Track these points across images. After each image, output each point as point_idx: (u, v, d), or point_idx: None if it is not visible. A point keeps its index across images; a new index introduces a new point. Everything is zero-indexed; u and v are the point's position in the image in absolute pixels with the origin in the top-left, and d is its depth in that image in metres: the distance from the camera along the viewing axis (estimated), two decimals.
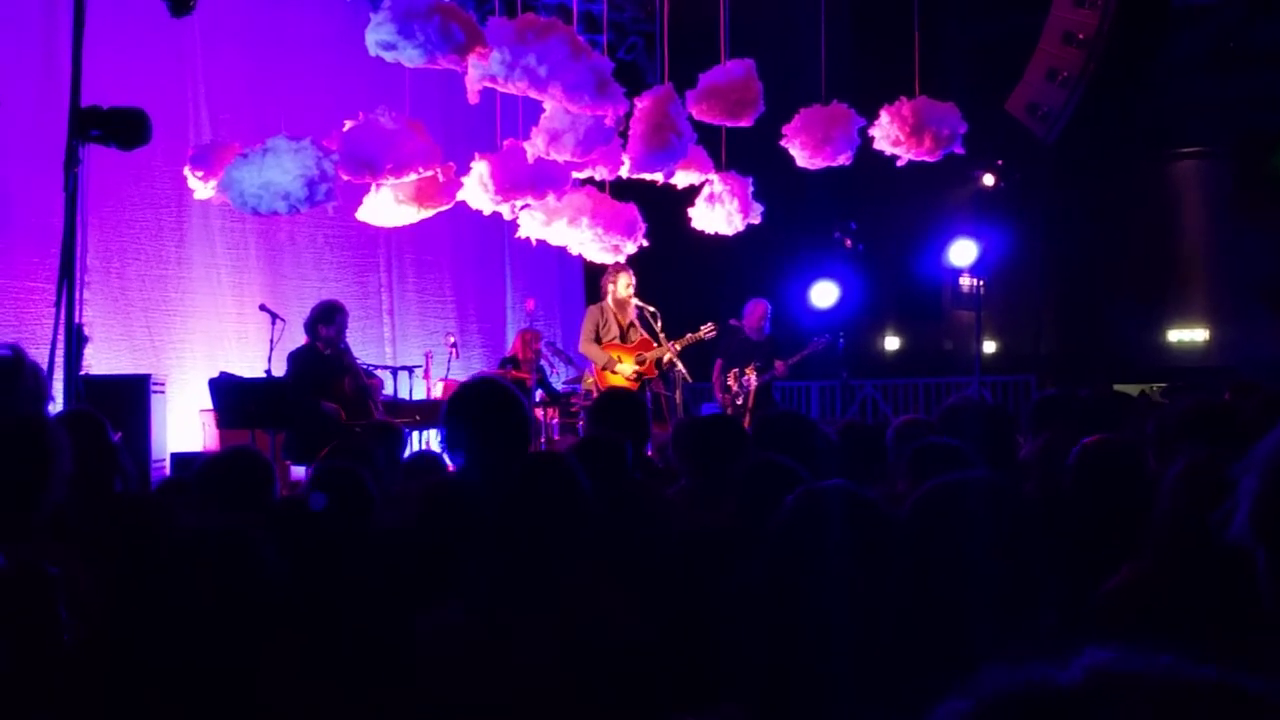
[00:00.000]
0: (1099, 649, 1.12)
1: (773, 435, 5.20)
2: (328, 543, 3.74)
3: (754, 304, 12.83)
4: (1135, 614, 3.10)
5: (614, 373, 11.58)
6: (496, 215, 10.19)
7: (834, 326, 14.02)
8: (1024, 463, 5.71)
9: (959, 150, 10.80)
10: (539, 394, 12.70)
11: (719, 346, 12.66)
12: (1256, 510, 2.11)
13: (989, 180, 17.11)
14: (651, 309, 11.80)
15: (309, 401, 10.20)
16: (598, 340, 11.73)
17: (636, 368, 11.63)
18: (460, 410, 4.38)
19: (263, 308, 11.25)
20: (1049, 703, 1.08)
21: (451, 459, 4.64)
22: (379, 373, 12.18)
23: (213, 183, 9.23)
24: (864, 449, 5.82)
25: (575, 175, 10.08)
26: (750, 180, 10.99)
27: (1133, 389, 13.54)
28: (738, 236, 11.21)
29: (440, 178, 9.75)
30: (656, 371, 11.85)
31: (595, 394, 11.43)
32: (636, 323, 11.81)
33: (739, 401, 12.37)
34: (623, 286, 11.72)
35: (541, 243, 10.71)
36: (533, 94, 8.81)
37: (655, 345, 11.70)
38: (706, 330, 11.93)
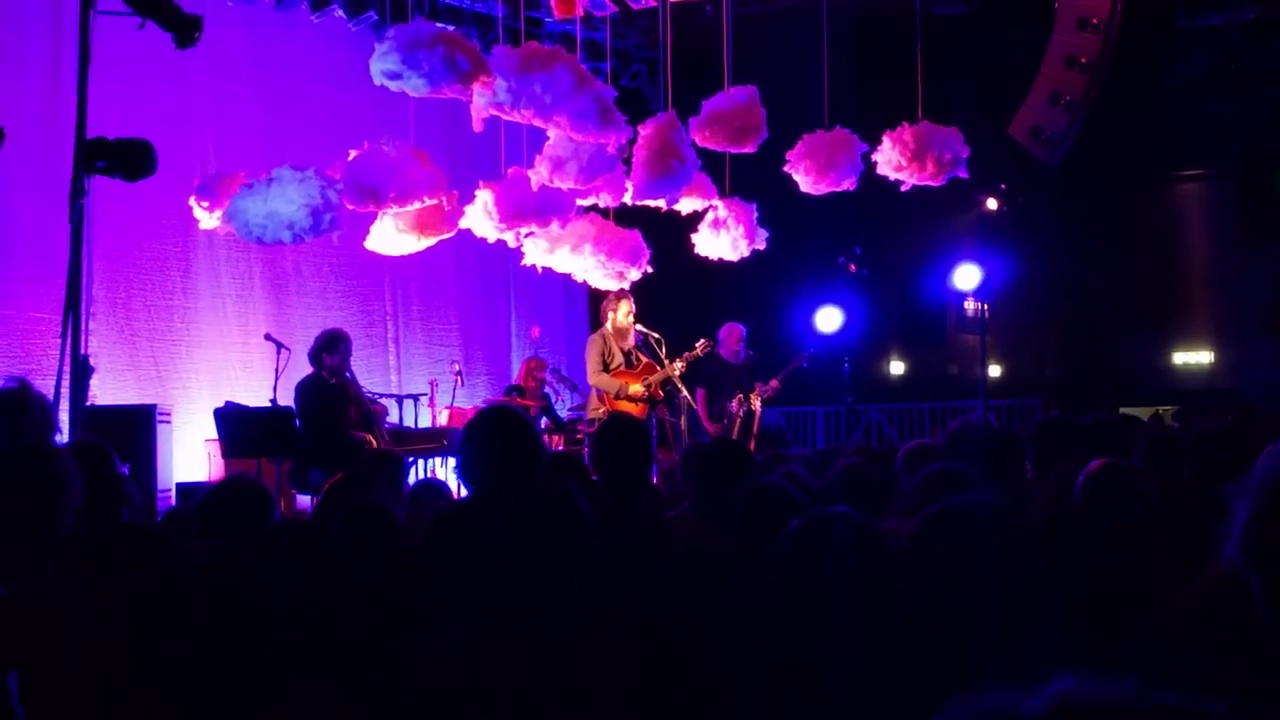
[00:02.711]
0: (1065, 676, 1.12)
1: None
2: (335, 567, 3.76)
3: (729, 328, 12.84)
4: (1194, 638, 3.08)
5: (627, 398, 11.60)
6: (501, 243, 10.19)
7: (837, 351, 14.03)
8: (1030, 486, 5.71)
9: (963, 174, 10.81)
10: (544, 422, 12.72)
11: (700, 374, 12.66)
12: (1248, 535, 2.11)
13: (992, 204, 17.11)
14: (656, 335, 11.83)
15: (340, 431, 10.26)
16: (605, 369, 11.76)
17: (645, 390, 11.67)
18: (474, 438, 4.40)
19: (268, 337, 11.29)
20: None
21: (465, 485, 4.66)
22: (384, 401, 12.21)
23: (218, 213, 9.25)
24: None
25: (579, 203, 10.09)
26: (754, 206, 11.00)
27: (1142, 412, 13.52)
28: (742, 263, 11.21)
29: (445, 206, 9.77)
30: (662, 394, 11.88)
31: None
32: (639, 348, 11.85)
33: (743, 426, 12.37)
34: (623, 314, 11.78)
35: (546, 270, 10.72)
36: (538, 122, 8.83)
37: (659, 369, 11.74)
38: (701, 347, 11.96)
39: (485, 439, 4.39)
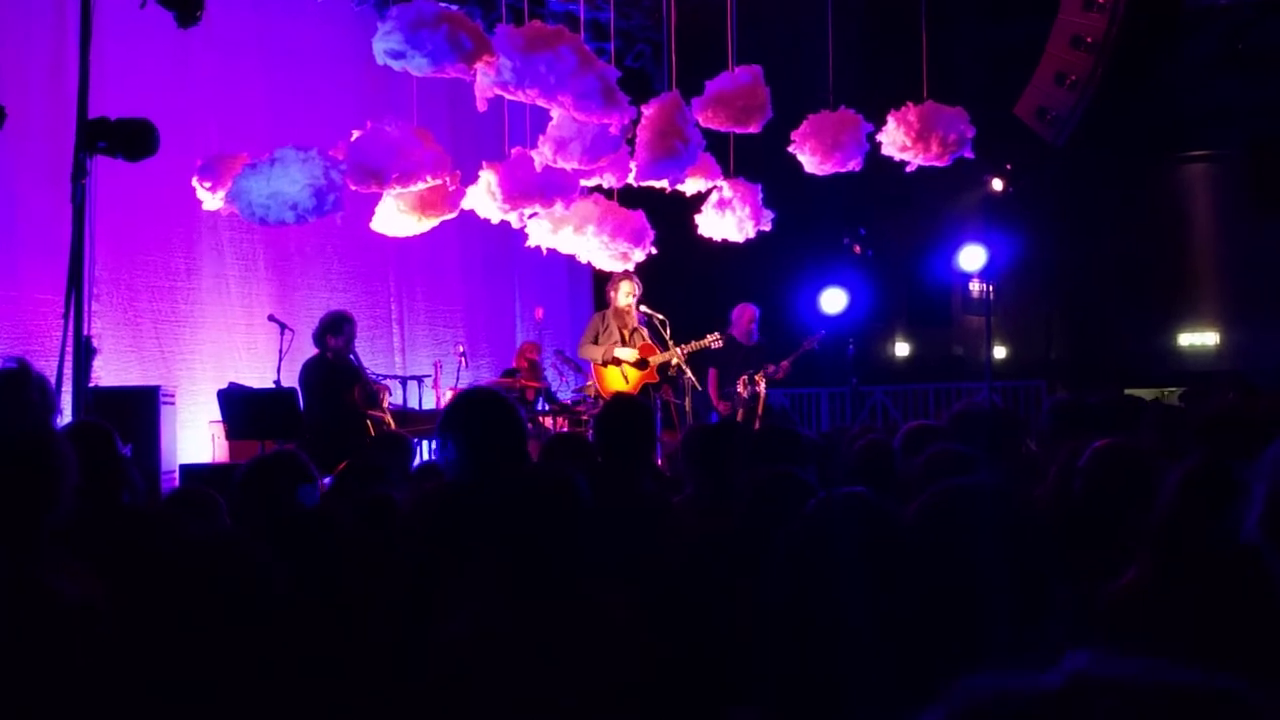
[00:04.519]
0: (1078, 653, 1.11)
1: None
2: (336, 553, 3.74)
3: (741, 309, 12.82)
4: (1138, 616, 3.08)
5: (614, 360, 11.59)
6: (504, 224, 10.18)
7: (828, 325, 14.00)
8: (1037, 467, 5.69)
9: (968, 155, 10.77)
10: (542, 404, 12.72)
11: (712, 356, 12.64)
12: (1267, 514, 2.10)
13: (998, 185, 17.06)
14: (660, 317, 11.80)
15: (343, 412, 10.26)
16: (596, 344, 11.76)
17: (640, 354, 11.64)
18: (450, 420, 4.36)
19: (271, 318, 11.29)
20: (1028, 708, 1.07)
21: (444, 468, 4.63)
22: (388, 382, 12.20)
23: (221, 193, 9.22)
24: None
25: (583, 183, 10.07)
26: (759, 187, 10.97)
27: (1147, 393, 13.49)
28: (746, 243, 11.19)
29: (450, 186, 9.74)
30: (660, 377, 11.86)
31: (597, 398, 11.46)
32: (641, 329, 11.82)
33: (749, 407, 12.35)
34: (623, 294, 11.76)
35: (551, 251, 10.70)
36: (542, 102, 8.80)
37: (661, 351, 11.72)
38: (713, 339, 11.93)
39: (467, 422, 4.34)
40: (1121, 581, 3.29)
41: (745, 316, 12.77)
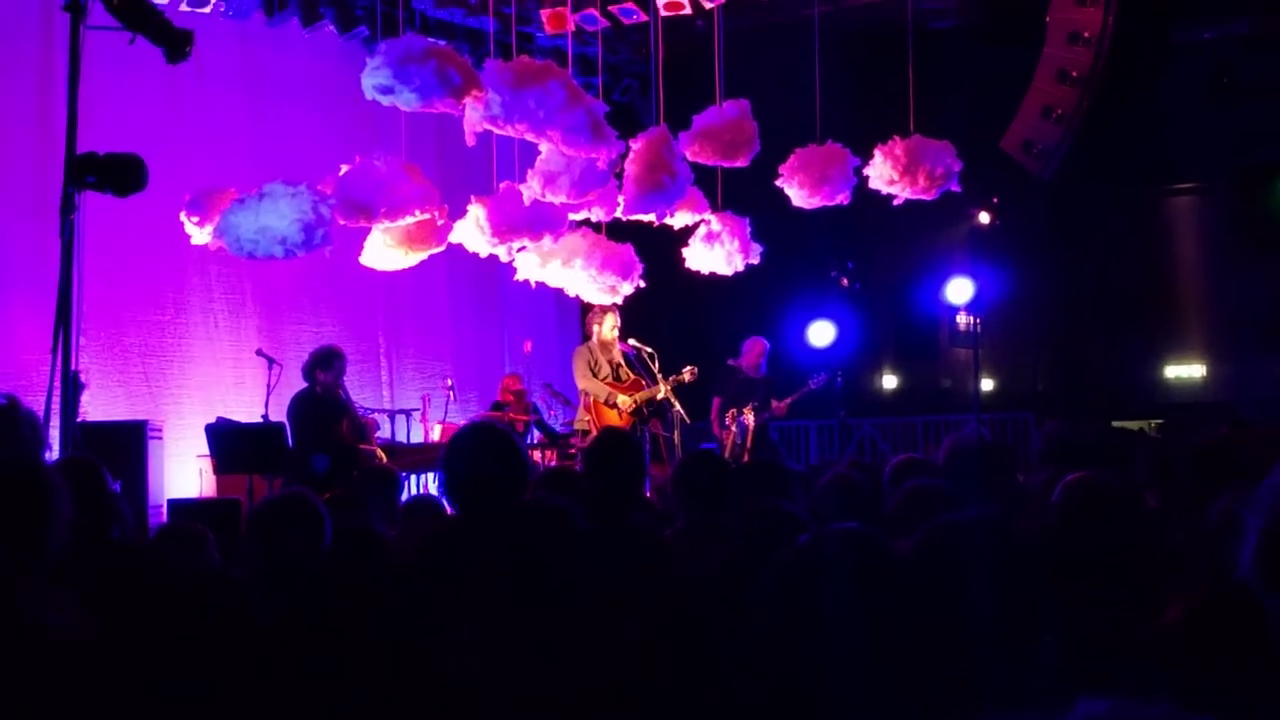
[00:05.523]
0: (1093, 700, 1.10)
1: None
2: (327, 586, 3.73)
3: (752, 342, 12.88)
4: (1186, 653, 3.04)
5: (613, 406, 11.57)
6: (493, 257, 10.19)
7: (831, 365, 14.02)
8: (1029, 498, 5.68)
9: (955, 188, 10.80)
10: (536, 435, 12.70)
11: (717, 386, 12.67)
12: (1261, 551, 2.07)
13: (985, 218, 17.08)
14: (649, 350, 11.79)
15: (332, 446, 10.24)
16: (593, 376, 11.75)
17: (633, 404, 11.63)
18: (459, 453, 4.35)
19: (259, 353, 11.27)
20: None
21: (451, 503, 4.61)
22: (375, 416, 12.17)
23: (209, 228, 9.22)
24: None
25: (572, 217, 10.09)
26: (748, 220, 10.99)
27: (1133, 425, 13.50)
28: (735, 277, 11.20)
29: (438, 220, 9.76)
30: (646, 412, 11.80)
31: (591, 432, 11.43)
32: (624, 363, 11.82)
33: (737, 440, 12.36)
34: (608, 328, 11.75)
35: (539, 285, 10.72)
36: (530, 137, 8.82)
37: (647, 385, 11.69)
38: (689, 373, 11.89)
39: (471, 454, 4.33)
40: (1166, 619, 3.25)
41: (755, 350, 12.84)
